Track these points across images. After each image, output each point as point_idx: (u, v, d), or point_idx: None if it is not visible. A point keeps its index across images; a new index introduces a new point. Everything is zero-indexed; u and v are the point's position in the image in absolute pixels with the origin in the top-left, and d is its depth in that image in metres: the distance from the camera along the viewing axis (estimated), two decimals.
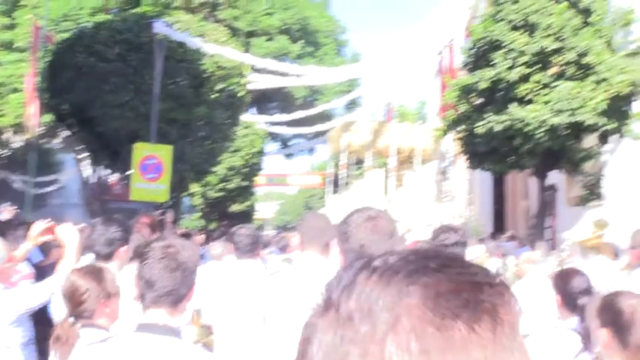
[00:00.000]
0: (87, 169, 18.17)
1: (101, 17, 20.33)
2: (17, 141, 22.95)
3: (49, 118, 18.33)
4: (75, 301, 2.38)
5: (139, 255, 1.92)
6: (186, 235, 13.62)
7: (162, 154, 12.64)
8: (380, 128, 19.30)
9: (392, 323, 0.48)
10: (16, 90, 21.23)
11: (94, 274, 2.47)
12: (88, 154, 17.24)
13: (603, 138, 10.70)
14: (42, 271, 4.60)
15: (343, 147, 18.90)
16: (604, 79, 9.48)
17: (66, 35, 17.43)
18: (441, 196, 19.81)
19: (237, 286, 3.65)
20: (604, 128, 9.83)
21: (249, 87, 17.51)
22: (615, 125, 9.84)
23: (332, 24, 31.56)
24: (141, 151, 12.51)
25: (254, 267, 3.86)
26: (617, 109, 9.77)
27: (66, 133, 17.64)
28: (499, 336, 0.49)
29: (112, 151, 15.06)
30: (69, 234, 3.25)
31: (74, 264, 3.19)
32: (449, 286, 0.50)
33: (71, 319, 2.37)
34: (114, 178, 19.16)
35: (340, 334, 0.50)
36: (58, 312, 2.80)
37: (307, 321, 0.56)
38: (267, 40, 27.52)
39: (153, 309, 1.83)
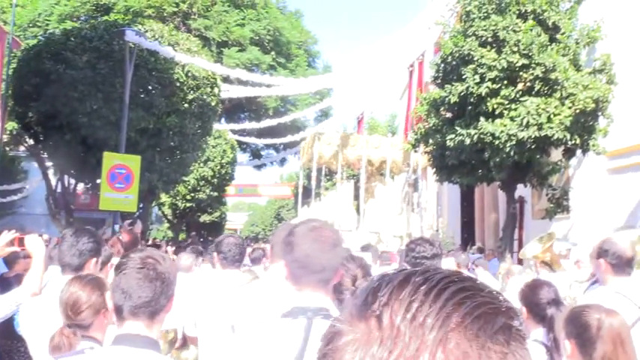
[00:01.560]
0: (53, 178, 17.78)
1: (70, 24, 20.06)
2: None
3: (13, 125, 17.96)
4: (74, 311, 2.32)
5: (117, 266, 1.89)
6: (156, 247, 13.46)
7: (132, 164, 12.48)
8: (350, 140, 19.39)
9: (441, 341, 0.50)
10: None
11: (96, 284, 2.41)
12: (53, 162, 16.89)
13: (569, 152, 10.96)
14: (7, 283, 4.49)
15: (314, 158, 18.93)
16: (570, 95, 9.73)
17: (33, 42, 17.12)
18: (410, 208, 19.96)
19: (208, 298, 3.61)
20: (570, 143, 10.07)
21: (221, 95, 17.44)
22: (580, 140, 10.09)
23: (304, 35, 31.69)
24: (110, 160, 12.33)
25: (238, 278, 3.81)
26: (582, 125, 10.02)
27: (32, 140, 17.26)
28: (525, 358, 0.53)
29: (79, 160, 14.80)
30: (35, 245, 3.18)
31: (41, 275, 3.12)
32: (487, 310, 0.52)
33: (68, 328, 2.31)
34: (81, 187, 18.79)
35: (388, 347, 0.51)
36: (25, 324, 2.73)
37: (334, 328, 0.56)
38: (239, 51, 27.47)
39: (130, 320, 1.79)
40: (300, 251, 1.82)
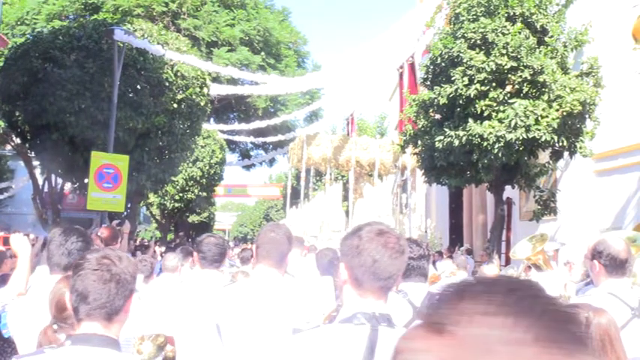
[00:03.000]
0: (39, 177, 17.64)
1: (58, 23, 19.91)
2: None
3: (0, 124, 17.80)
4: (59, 308, 2.31)
5: (74, 267, 1.88)
6: (145, 246, 13.39)
7: (121, 164, 12.41)
8: (340, 141, 19.42)
9: (514, 357, 0.50)
10: None
11: None
12: (40, 162, 16.76)
13: (556, 154, 11.05)
14: None
15: (304, 159, 18.93)
16: (557, 98, 9.80)
17: (21, 40, 16.97)
18: (399, 209, 20.02)
19: (191, 299, 3.58)
20: (557, 145, 10.15)
21: (210, 92, 17.38)
22: (567, 143, 10.17)
23: (293, 35, 31.68)
24: (98, 159, 12.25)
25: (217, 278, 3.78)
26: (569, 127, 10.11)
27: (18, 139, 17.12)
28: None
29: (67, 160, 14.69)
30: (21, 245, 3.16)
31: (26, 275, 3.10)
32: (555, 319, 0.52)
33: (55, 326, 2.29)
34: (68, 187, 18.66)
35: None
36: (13, 324, 2.71)
37: (407, 340, 0.56)
38: (229, 51, 27.41)
39: (87, 322, 1.79)
40: (368, 256, 1.76)
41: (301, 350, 1.71)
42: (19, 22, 25.42)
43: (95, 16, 21.59)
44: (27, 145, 16.39)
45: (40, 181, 17.38)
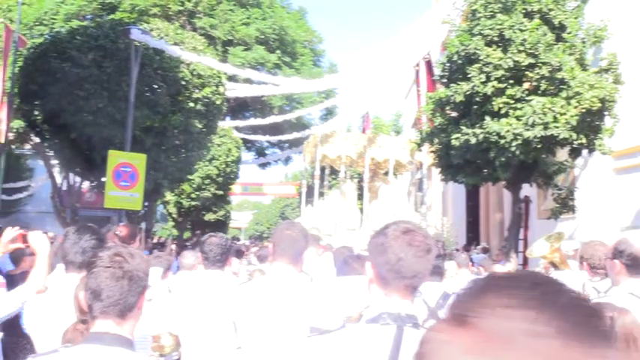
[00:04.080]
0: (58, 176, 17.83)
1: (76, 23, 20.09)
2: None
3: (19, 123, 18.01)
4: (78, 306, 2.33)
5: (88, 265, 1.90)
6: (161, 245, 13.48)
7: (138, 163, 12.50)
8: (354, 139, 19.38)
9: (536, 349, 0.50)
10: None
11: None
12: (59, 160, 16.94)
13: (575, 152, 10.92)
14: (12, 281, 4.51)
15: (318, 157, 18.92)
16: (576, 95, 9.68)
17: (39, 40, 17.16)
18: (415, 208, 19.94)
19: (204, 297, 3.58)
20: (576, 142, 10.03)
21: (226, 94, 17.44)
22: (586, 140, 10.05)
23: (309, 34, 31.67)
24: (115, 158, 12.35)
25: (221, 278, 3.77)
26: (588, 124, 9.98)
27: (37, 139, 17.33)
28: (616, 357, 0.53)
29: (84, 158, 14.84)
30: (40, 242, 3.19)
31: (45, 273, 3.13)
32: (578, 313, 0.53)
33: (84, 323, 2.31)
34: (86, 185, 18.84)
35: (489, 354, 0.51)
36: (30, 321, 2.74)
37: (433, 335, 0.56)
38: (245, 50, 27.47)
39: (100, 319, 1.81)
40: (392, 254, 1.75)
41: (328, 351, 1.70)
42: (37, 23, 25.69)
43: (112, 16, 21.76)
44: (45, 144, 16.58)
45: (59, 180, 17.57)
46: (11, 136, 18.24)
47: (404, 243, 1.75)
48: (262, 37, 28.24)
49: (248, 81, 19.49)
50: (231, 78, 18.68)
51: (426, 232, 1.92)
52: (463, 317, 0.54)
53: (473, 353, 0.52)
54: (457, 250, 14.17)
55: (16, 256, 4.92)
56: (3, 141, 15.89)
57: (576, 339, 0.50)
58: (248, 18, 28.34)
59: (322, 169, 20.36)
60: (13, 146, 21.11)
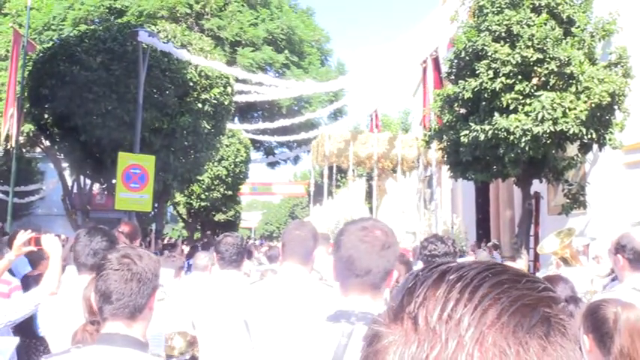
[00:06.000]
0: (68, 179, 17.96)
1: (84, 28, 20.21)
2: None
3: (29, 127, 18.16)
4: (88, 308, 2.35)
5: (97, 268, 1.91)
6: (172, 246, 13.55)
7: (147, 164, 12.55)
8: (361, 138, 19.34)
9: (478, 339, 0.49)
10: None
11: None
12: (69, 163, 17.06)
13: (585, 147, 10.84)
14: (29, 283, 4.55)
15: (326, 156, 18.91)
16: (585, 89, 9.62)
17: (48, 46, 17.28)
18: (424, 205, 19.89)
19: (219, 298, 3.60)
20: (586, 137, 9.96)
21: (236, 99, 17.50)
22: (596, 135, 9.97)
23: (317, 33, 31.65)
24: (125, 160, 12.41)
25: (236, 278, 3.79)
26: (598, 119, 9.91)
27: (47, 142, 17.46)
28: (568, 350, 0.51)
29: (94, 161, 14.93)
30: (53, 245, 3.21)
31: (58, 275, 3.15)
32: (525, 303, 0.51)
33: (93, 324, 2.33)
34: (96, 187, 18.97)
35: (425, 349, 0.50)
36: (44, 323, 2.76)
37: (373, 330, 0.55)
38: (253, 51, 27.51)
39: (111, 321, 1.82)
40: (345, 251, 1.73)
41: (286, 346, 1.70)
42: (45, 28, 25.84)
43: (120, 20, 21.85)
44: (56, 147, 16.70)
45: (70, 183, 17.69)
46: (22, 139, 18.39)
47: (356, 239, 1.73)
48: (270, 37, 28.26)
49: (258, 84, 19.53)
50: (240, 80, 18.70)
51: (389, 229, 1.86)
52: (398, 313, 0.54)
53: (404, 349, 0.51)
54: (479, 247, 14.08)
55: (35, 259, 4.97)
56: (14, 145, 16.02)
57: (511, 329, 0.49)
58: (256, 19, 28.36)
59: (330, 168, 20.35)
60: (23, 150, 21.27)
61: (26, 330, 3.70)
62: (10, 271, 4.19)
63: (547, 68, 9.68)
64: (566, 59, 9.62)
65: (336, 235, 1.83)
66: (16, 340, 3.33)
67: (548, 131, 9.46)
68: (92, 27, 19.14)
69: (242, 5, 28.41)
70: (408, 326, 0.52)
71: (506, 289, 0.52)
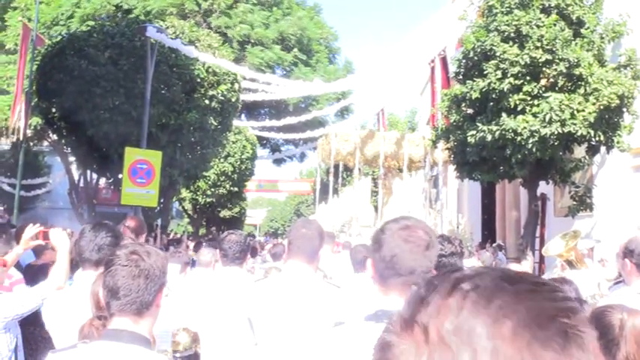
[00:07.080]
0: (75, 173, 18.02)
1: (91, 24, 20.24)
2: (5, 143, 22.77)
3: (37, 120, 18.21)
4: (96, 303, 2.36)
5: (106, 263, 1.92)
6: (177, 241, 13.57)
7: (154, 159, 12.58)
8: (369, 136, 19.32)
9: (492, 351, 0.48)
10: (4, 92, 21.06)
11: None
12: (76, 157, 17.11)
13: (593, 149, 10.79)
14: (34, 272, 4.56)
15: (332, 154, 18.90)
16: (594, 91, 9.57)
17: (56, 39, 17.33)
18: (429, 205, 19.86)
19: (221, 294, 3.60)
20: (594, 140, 9.91)
21: (244, 98, 17.51)
22: (604, 137, 9.92)
23: (325, 31, 31.59)
24: (132, 155, 12.44)
25: (239, 275, 3.79)
26: (606, 121, 9.86)
27: (55, 136, 17.52)
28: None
29: (101, 155, 14.97)
30: (60, 239, 3.22)
31: (66, 269, 3.16)
32: (541, 314, 0.50)
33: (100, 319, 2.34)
34: (103, 182, 19.02)
35: (437, 357, 0.49)
36: (49, 318, 2.77)
37: (384, 339, 0.54)
38: (262, 50, 27.51)
39: (118, 317, 1.83)
40: (387, 250, 1.72)
41: (323, 347, 1.69)
42: (54, 22, 25.90)
43: (129, 16, 21.87)
44: (63, 141, 16.75)
45: (76, 177, 17.74)
46: (29, 133, 18.45)
47: (399, 239, 1.72)
48: (280, 37, 28.25)
49: (265, 83, 19.54)
50: (248, 78, 18.71)
51: (430, 228, 1.86)
52: (409, 322, 0.52)
53: (426, 355, 0.50)
54: (483, 248, 14.03)
55: (39, 249, 5.00)
56: (21, 138, 16.08)
57: (525, 342, 0.48)
58: (267, 19, 28.32)
59: (336, 166, 20.34)
60: (31, 143, 21.35)
61: (34, 319, 3.71)
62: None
63: (556, 69, 9.63)
64: (575, 60, 9.57)
65: (376, 233, 1.81)
66: None
67: (555, 133, 9.41)
68: (100, 22, 19.18)
69: (254, 5, 28.37)
70: (419, 336, 0.51)
71: (522, 299, 0.50)
